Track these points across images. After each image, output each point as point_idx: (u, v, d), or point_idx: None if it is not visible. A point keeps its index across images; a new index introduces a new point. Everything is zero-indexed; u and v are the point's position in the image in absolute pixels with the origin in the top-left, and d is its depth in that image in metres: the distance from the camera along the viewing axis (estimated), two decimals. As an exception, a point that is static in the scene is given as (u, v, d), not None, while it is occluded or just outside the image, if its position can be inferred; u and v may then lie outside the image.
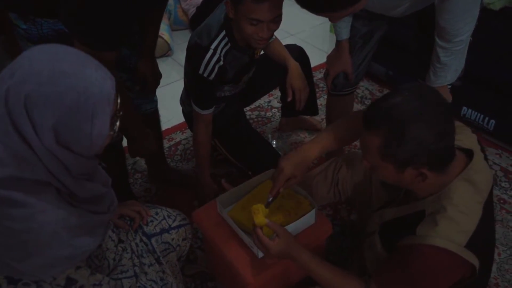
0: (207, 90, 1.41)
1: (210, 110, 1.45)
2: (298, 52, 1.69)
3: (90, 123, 0.72)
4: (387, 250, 1.08)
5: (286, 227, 1.12)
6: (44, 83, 0.68)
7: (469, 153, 1.00)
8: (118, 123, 0.80)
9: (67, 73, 0.70)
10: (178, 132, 2.12)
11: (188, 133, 2.08)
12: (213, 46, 1.34)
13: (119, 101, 0.80)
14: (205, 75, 1.36)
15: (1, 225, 0.72)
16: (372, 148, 0.92)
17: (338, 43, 1.51)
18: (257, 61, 1.53)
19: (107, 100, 0.74)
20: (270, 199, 1.16)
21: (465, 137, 1.04)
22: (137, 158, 1.94)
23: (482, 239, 0.94)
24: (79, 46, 1.00)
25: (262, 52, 1.57)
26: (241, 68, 1.46)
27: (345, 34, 1.47)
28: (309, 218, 1.20)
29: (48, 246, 0.75)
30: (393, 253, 1.01)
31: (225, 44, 1.35)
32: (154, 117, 1.57)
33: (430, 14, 1.21)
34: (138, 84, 1.43)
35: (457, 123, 0.96)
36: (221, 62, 1.36)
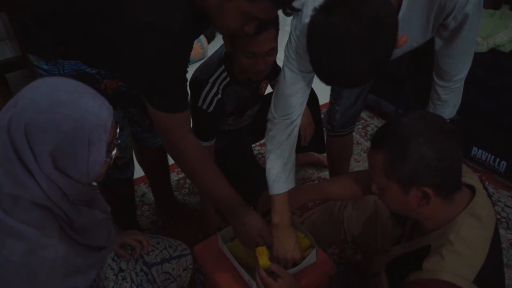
0: (206, 122, 1.45)
1: (211, 142, 1.48)
2: None
3: (87, 149, 0.75)
4: (394, 288, 1.05)
5: (288, 270, 1.12)
6: (42, 111, 0.72)
7: (472, 190, 0.99)
8: (115, 151, 0.83)
9: (65, 102, 0.73)
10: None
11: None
12: (211, 80, 1.40)
13: (118, 130, 0.83)
14: (204, 107, 1.40)
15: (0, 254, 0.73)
16: (378, 167, 0.94)
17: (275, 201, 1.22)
18: (261, 96, 1.57)
19: (103, 128, 0.77)
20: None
21: (467, 174, 1.03)
22: (146, 190, 1.97)
23: (491, 276, 0.92)
24: (155, 111, 1.05)
25: (269, 90, 1.61)
26: (242, 102, 1.50)
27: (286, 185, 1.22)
28: (310, 258, 1.19)
29: (42, 283, 0.75)
30: None
31: (224, 78, 1.41)
32: (161, 151, 1.60)
33: (422, 53, 1.24)
34: (148, 119, 1.47)
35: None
36: (219, 95, 1.40)
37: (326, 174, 2.07)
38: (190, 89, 1.47)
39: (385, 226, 1.28)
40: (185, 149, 1.11)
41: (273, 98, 1.18)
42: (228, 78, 1.41)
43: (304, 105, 1.19)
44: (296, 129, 1.21)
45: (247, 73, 1.36)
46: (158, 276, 1.12)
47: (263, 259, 1.10)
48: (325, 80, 0.92)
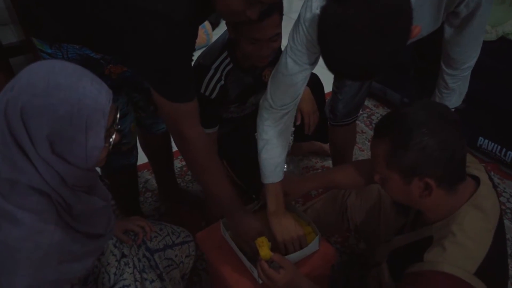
0: (209, 109, 1.44)
1: (213, 129, 1.48)
2: (311, 78, 1.70)
3: (84, 134, 0.74)
4: (395, 279, 1.05)
5: (289, 255, 1.12)
6: (38, 95, 0.70)
7: (477, 181, 0.98)
8: (114, 136, 0.81)
9: (62, 85, 0.72)
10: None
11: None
12: (214, 66, 1.38)
13: (118, 116, 0.82)
14: (207, 94, 1.39)
15: None
16: (380, 156, 0.93)
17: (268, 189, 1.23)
18: (265, 84, 1.55)
19: (101, 112, 0.75)
20: (257, 207, 1.26)
21: (473, 165, 1.02)
22: (149, 176, 1.97)
23: (493, 268, 0.91)
24: (162, 100, 1.03)
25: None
26: (246, 88, 1.48)
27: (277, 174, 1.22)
28: (312, 246, 1.19)
29: (36, 268, 0.75)
30: (400, 282, 0.99)
31: (227, 64, 1.39)
32: (165, 137, 1.59)
33: (427, 40, 1.20)
34: (152, 105, 1.46)
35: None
36: (222, 81, 1.39)
37: (329, 163, 2.06)
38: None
39: (388, 216, 1.27)
40: (193, 142, 1.10)
41: (269, 86, 1.16)
42: (231, 64, 1.39)
43: (301, 94, 1.17)
44: (290, 116, 1.20)
45: (251, 59, 1.34)
46: (160, 262, 1.12)
47: (264, 250, 1.09)
48: (336, 73, 0.90)
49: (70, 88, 0.72)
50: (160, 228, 1.19)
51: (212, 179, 1.15)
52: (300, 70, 1.09)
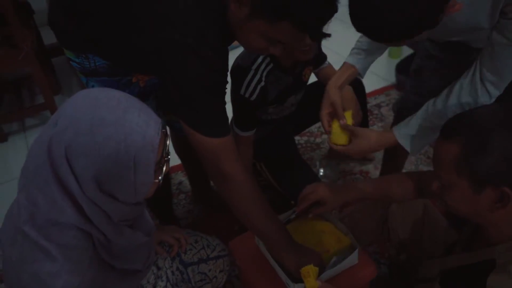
0: (248, 111, 1.40)
1: (251, 132, 1.43)
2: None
3: (133, 172, 0.69)
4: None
5: (326, 271, 1.06)
6: (83, 133, 0.66)
7: None
8: (165, 169, 0.76)
9: (106, 121, 0.67)
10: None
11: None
12: (254, 67, 1.34)
13: (168, 142, 0.77)
14: (247, 95, 1.35)
15: (28, 267, 0.71)
16: (448, 160, 0.83)
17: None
18: (304, 83, 1.50)
19: (150, 147, 0.70)
20: (293, 216, 1.20)
21: None
22: (183, 178, 1.95)
23: None
24: (197, 137, 0.98)
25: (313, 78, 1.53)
26: (285, 88, 1.43)
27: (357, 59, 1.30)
28: (351, 260, 1.12)
29: None
30: None
31: (267, 64, 1.34)
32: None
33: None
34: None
35: None
36: (263, 83, 1.34)
37: (368, 167, 1.98)
38: (231, 77, 1.42)
39: (435, 229, 1.18)
40: (236, 178, 1.03)
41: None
42: (272, 64, 1.35)
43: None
44: None
45: (294, 52, 1.28)
46: (193, 276, 1.10)
47: (310, 282, 0.99)
48: (359, 27, 0.87)
49: (115, 124, 0.67)
50: (196, 240, 1.16)
51: (259, 217, 1.07)
52: None
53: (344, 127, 1.19)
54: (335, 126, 1.21)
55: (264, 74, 1.34)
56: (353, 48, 1.33)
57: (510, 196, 0.78)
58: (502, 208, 0.81)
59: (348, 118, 1.21)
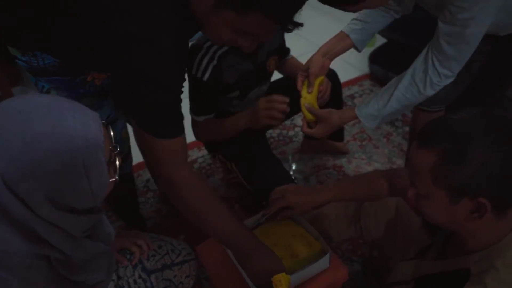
0: (202, 94, 1.34)
1: (207, 116, 1.39)
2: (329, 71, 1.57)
3: (86, 178, 0.64)
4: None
5: (296, 273, 1.01)
6: (16, 158, 0.59)
7: None
8: (118, 163, 0.71)
9: (40, 135, 0.60)
10: (195, 149, 2.04)
11: (205, 151, 2.00)
12: (206, 45, 1.28)
13: (112, 133, 0.71)
14: (199, 75, 1.28)
15: None
16: (425, 169, 0.79)
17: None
18: (269, 74, 1.44)
19: (96, 147, 0.65)
20: (262, 220, 1.18)
21: None
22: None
23: None
24: (145, 137, 0.89)
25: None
26: (245, 76, 1.37)
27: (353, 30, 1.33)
28: (322, 264, 1.09)
29: None
30: None
31: (221, 46, 1.28)
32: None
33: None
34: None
35: None
36: (215, 61, 1.27)
37: (342, 161, 1.95)
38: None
39: (408, 229, 1.15)
40: (183, 185, 0.95)
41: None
42: (226, 47, 1.28)
43: None
44: None
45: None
46: (157, 283, 1.04)
47: None
48: None
49: (51, 135, 0.60)
50: (159, 245, 1.09)
51: (216, 223, 1.00)
52: None
53: (309, 110, 1.30)
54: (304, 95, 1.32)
55: (218, 54, 1.28)
56: (353, 19, 1.36)
57: (487, 207, 0.76)
58: (479, 218, 0.78)
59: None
